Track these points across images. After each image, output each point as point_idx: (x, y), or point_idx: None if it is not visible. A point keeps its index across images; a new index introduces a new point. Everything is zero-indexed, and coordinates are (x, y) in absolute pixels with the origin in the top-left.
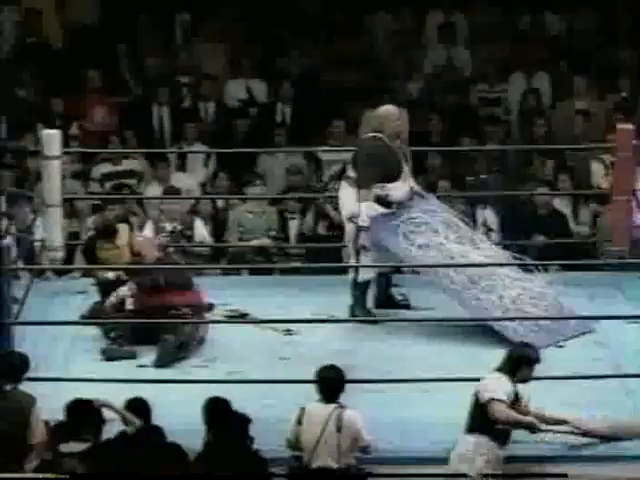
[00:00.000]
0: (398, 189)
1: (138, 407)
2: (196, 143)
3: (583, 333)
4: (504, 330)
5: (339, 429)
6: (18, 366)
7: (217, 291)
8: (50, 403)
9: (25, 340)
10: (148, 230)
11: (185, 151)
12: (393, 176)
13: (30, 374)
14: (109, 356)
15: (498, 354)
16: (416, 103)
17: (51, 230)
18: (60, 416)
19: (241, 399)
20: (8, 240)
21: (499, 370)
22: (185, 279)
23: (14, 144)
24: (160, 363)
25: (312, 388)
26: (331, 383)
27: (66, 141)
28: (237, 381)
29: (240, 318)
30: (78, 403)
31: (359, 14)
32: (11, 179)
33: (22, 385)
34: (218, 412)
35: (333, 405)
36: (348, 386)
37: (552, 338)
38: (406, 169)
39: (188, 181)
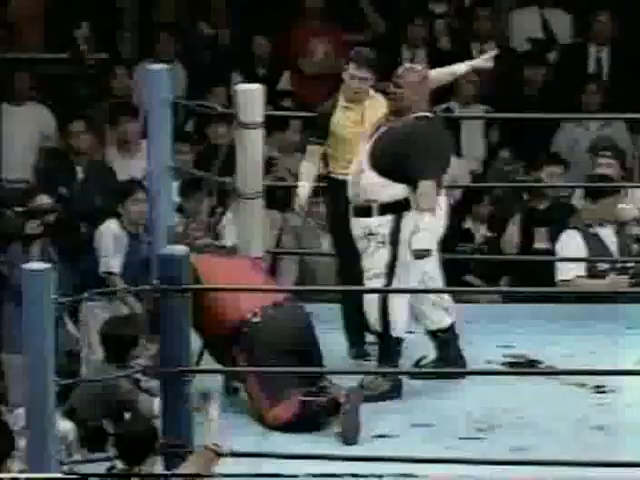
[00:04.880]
0: None
1: None
2: (472, 104)
3: None
4: None
5: None
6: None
7: (492, 325)
8: None
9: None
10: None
11: (453, 115)
12: None
13: None
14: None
15: None
16: None
17: (248, 232)
18: None
19: None
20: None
21: None
22: None
23: (197, 104)
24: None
25: None
26: None
27: (272, 100)
28: (524, 463)
29: (529, 368)
30: None
31: None
32: (190, 156)
33: None
34: None
35: None
36: None
37: None
38: None
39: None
